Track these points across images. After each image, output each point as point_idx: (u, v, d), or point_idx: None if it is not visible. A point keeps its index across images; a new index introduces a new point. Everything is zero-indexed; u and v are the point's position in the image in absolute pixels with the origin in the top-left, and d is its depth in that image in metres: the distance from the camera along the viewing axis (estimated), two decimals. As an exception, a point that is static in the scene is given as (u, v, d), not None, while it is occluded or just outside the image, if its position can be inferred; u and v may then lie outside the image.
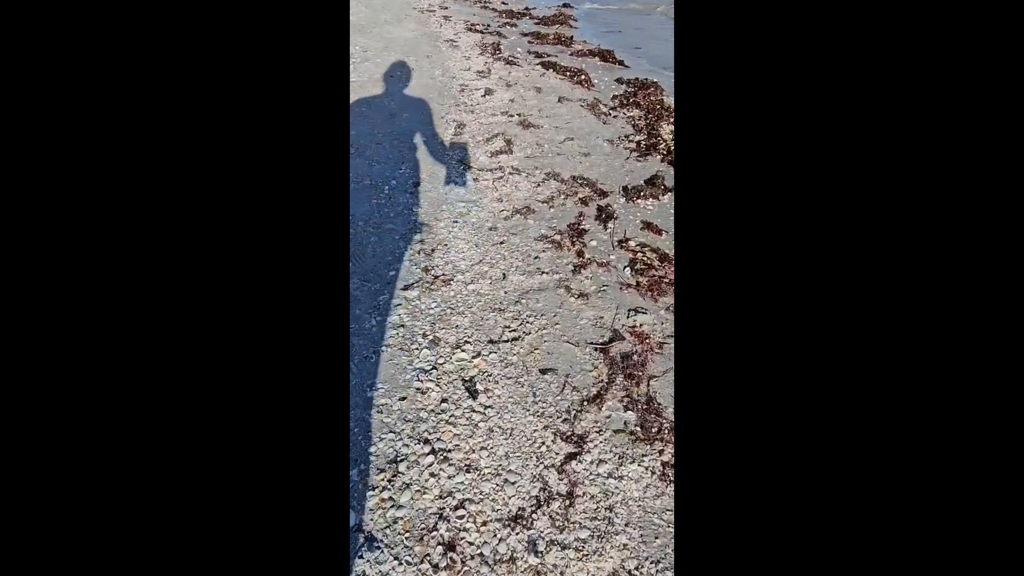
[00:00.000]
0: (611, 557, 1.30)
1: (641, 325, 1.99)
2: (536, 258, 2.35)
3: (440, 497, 1.41)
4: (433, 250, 2.38)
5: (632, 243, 2.47)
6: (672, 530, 1.35)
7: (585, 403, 1.68)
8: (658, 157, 3.31)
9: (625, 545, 1.32)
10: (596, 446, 1.56)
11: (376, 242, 2.42)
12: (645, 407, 1.66)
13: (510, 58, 5.25)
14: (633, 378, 1.76)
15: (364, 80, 4.45)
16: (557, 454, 1.53)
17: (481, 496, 1.42)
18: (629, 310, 2.07)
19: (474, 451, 1.53)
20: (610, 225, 2.60)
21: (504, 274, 2.24)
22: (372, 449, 1.52)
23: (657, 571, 1.26)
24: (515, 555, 1.29)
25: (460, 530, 1.34)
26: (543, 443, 1.56)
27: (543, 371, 1.79)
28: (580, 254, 2.38)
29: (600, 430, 1.60)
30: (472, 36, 6.13)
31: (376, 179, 2.95)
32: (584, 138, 3.57)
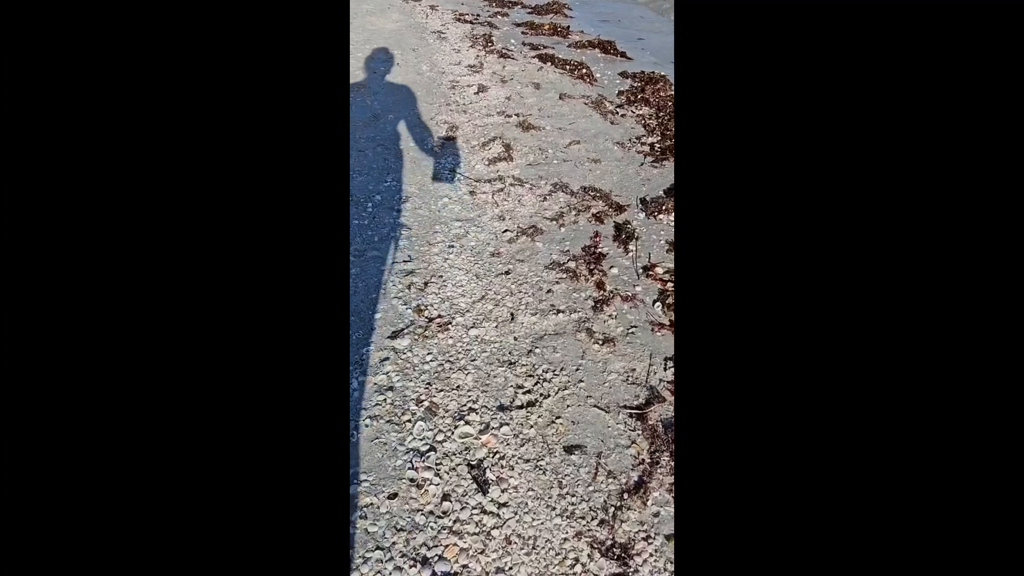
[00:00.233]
0: None
1: (682, 379, 1.63)
2: (549, 292, 1.98)
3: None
4: (426, 284, 2.00)
5: (659, 269, 2.10)
6: None
7: (625, 495, 1.32)
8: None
9: None
10: (646, 562, 1.20)
11: (358, 275, 2.03)
12: (701, 499, 1.31)
13: (504, 51, 4.83)
14: (681, 456, 1.40)
15: (344, 77, 4.03)
16: None
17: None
18: (666, 358, 1.71)
19: None
20: (631, 247, 2.23)
21: (512, 314, 1.87)
22: (353, 576, 1.15)
23: None
24: None
25: None
26: (577, 560, 1.19)
27: (569, 449, 1.43)
28: (600, 286, 2.01)
29: (648, 536, 1.24)
30: (461, 27, 5.69)
31: (358, 194, 2.55)
32: (591, 141, 3.19)
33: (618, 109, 3.68)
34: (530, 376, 1.64)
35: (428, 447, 1.42)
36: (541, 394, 1.58)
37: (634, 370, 1.67)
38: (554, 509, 1.29)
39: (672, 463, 1.39)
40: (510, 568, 1.18)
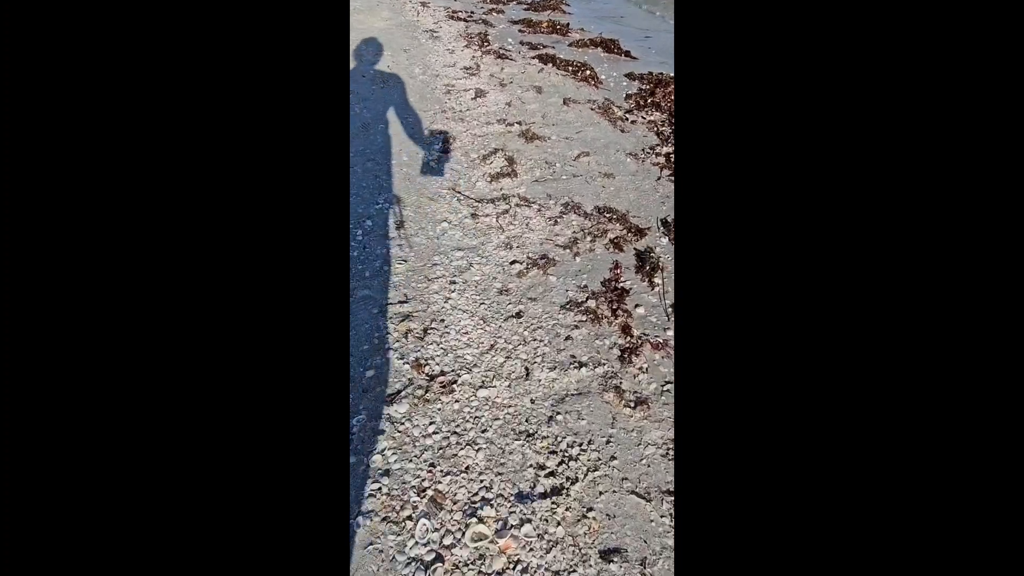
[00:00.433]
0: None
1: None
2: (567, 339, 1.72)
3: None
4: (426, 330, 1.72)
5: (690, 308, 1.84)
6: None
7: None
8: (695, 175, 2.68)
9: None
10: None
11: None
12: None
13: (501, 51, 4.53)
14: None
15: (331, 82, 3.72)
16: None
17: None
18: (709, 425, 1.45)
19: None
20: (657, 280, 1.97)
21: (527, 369, 1.60)
22: None
23: None
24: None
25: None
26: None
27: (605, 555, 1.17)
28: (626, 330, 1.75)
29: None
30: (455, 25, 5.38)
31: (346, 219, 2.27)
32: (602, 152, 2.92)
33: (627, 115, 3.41)
34: (552, 452, 1.37)
35: (434, 556, 1.15)
36: (567, 477, 1.32)
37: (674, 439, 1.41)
38: (594, 644, 1.03)
39: None
40: None
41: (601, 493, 1.29)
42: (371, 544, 1.17)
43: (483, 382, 1.55)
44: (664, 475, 1.33)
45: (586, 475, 1.32)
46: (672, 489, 1.30)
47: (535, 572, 1.13)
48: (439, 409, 1.47)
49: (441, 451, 1.37)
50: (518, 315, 1.80)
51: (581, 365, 1.62)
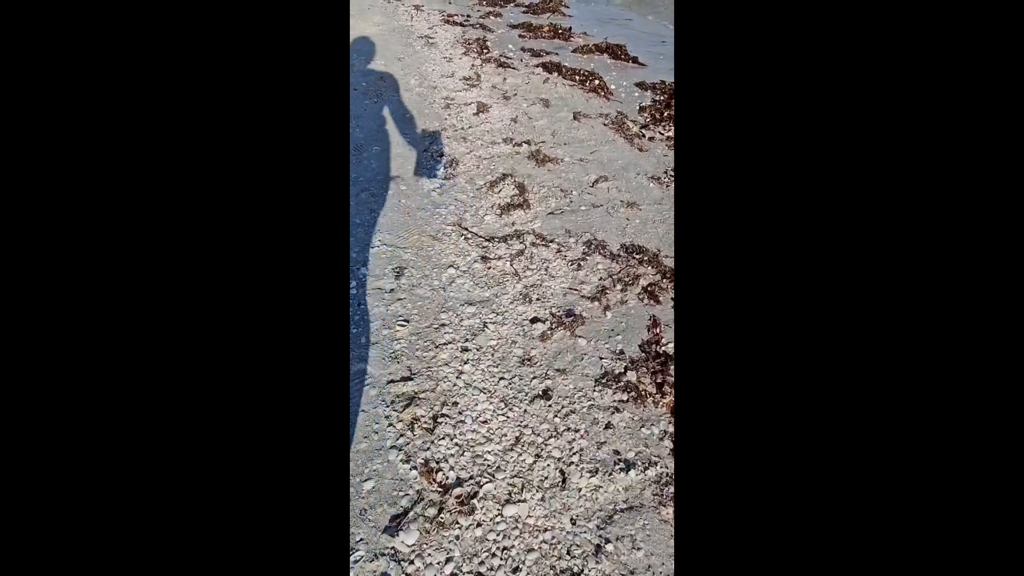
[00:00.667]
0: None
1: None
2: (607, 426, 1.40)
3: None
4: (436, 418, 1.41)
5: (748, 379, 1.54)
6: None
7: None
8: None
9: None
10: None
11: (339, 405, 1.44)
12: None
13: (502, 59, 4.20)
14: None
15: (319, 96, 3.38)
16: None
17: None
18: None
19: None
20: (704, 341, 1.66)
21: (563, 473, 1.29)
22: None
23: None
24: None
25: None
26: None
27: None
28: (675, 410, 1.44)
29: None
30: (451, 30, 5.04)
31: (337, 266, 1.94)
32: (620, 175, 2.60)
33: (643, 131, 3.10)
34: (606, 602, 1.06)
35: None
36: (628, 643, 1.01)
37: None
38: None
39: None
40: None
41: (674, 668, 0.98)
42: None
43: (510, 494, 1.24)
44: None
45: (652, 639, 1.01)
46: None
47: None
48: (457, 537, 1.15)
49: (462, 603, 1.05)
50: (545, 394, 1.48)
51: (628, 466, 1.31)
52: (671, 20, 5.74)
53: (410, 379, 1.51)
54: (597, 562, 1.12)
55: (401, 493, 1.23)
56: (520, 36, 4.91)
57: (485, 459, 1.31)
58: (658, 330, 1.69)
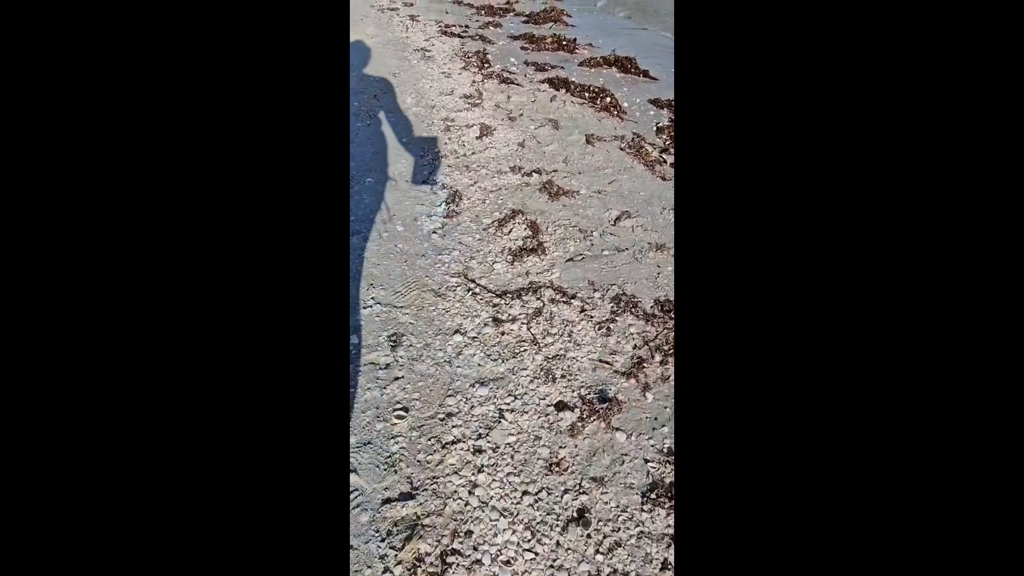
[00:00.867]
0: None
1: None
2: (663, 567, 1.09)
3: None
4: (445, 557, 1.09)
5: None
6: None
7: None
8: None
9: None
10: None
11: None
12: None
13: (505, 74, 3.90)
14: None
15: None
16: None
17: None
18: None
19: None
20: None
21: (614, 647, 0.98)
22: None
23: None
24: None
25: None
26: None
27: None
28: (750, 544, 1.13)
29: None
30: (449, 42, 4.74)
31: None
32: (644, 211, 2.30)
33: (663, 156, 2.80)
34: None
35: None
36: None
37: None
38: None
39: None
40: None
41: None
42: None
43: None
44: None
45: None
46: None
47: None
48: None
49: None
50: (581, 517, 1.17)
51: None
52: (669, 30, 5.45)
53: (411, 497, 1.20)
54: None
55: None
56: (522, 48, 4.61)
57: (510, 624, 1.00)
58: (711, 419, 1.38)
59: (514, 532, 1.14)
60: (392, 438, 1.32)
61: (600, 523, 1.16)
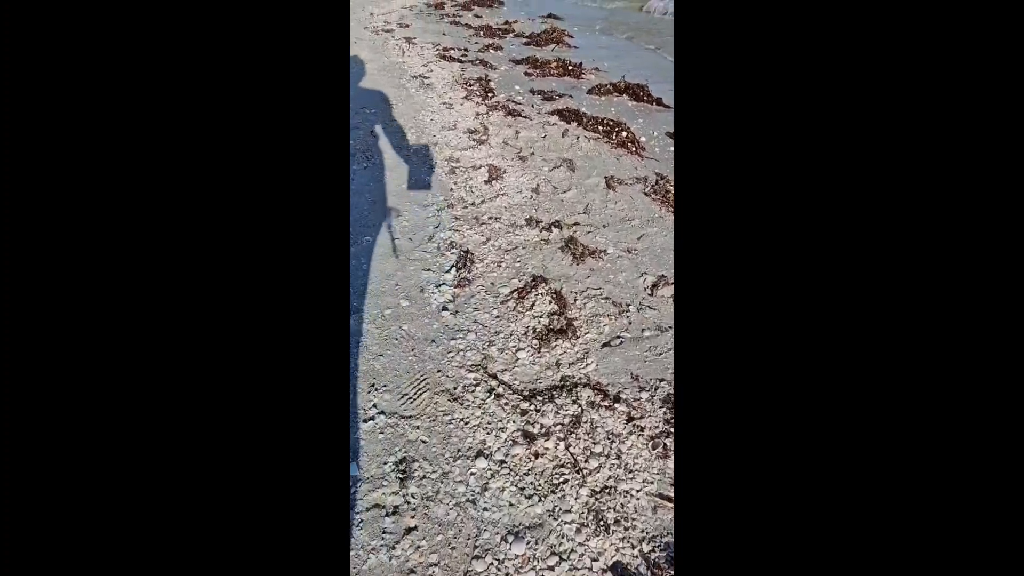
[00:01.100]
0: None
1: None
2: None
3: None
4: None
5: None
6: None
7: None
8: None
9: None
10: None
11: None
12: None
13: (510, 104, 3.61)
14: None
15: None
16: None
17: None
18: None
19: None
20: None
21: None
22: None
23: None
24: None
25: None
26: None
27: None
28: None
29: None
30: (448, 67, 4.45)
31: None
32: (683, 274, 2.00)
33: (693, 201, 2.50)
34: None
35: None
36: None
37: None
38: None
39: None
40: None
41: None
42: None
43: None
44: None
45: None
46: None
47: None
48: None
49: None
50: None
51: None
52: (670, 52, 5.23)
53: None
54: None
55: None
56: (526, 74, 4.33)
57: None
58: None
59: None
60: (405, 633, 1.00)
61: None
